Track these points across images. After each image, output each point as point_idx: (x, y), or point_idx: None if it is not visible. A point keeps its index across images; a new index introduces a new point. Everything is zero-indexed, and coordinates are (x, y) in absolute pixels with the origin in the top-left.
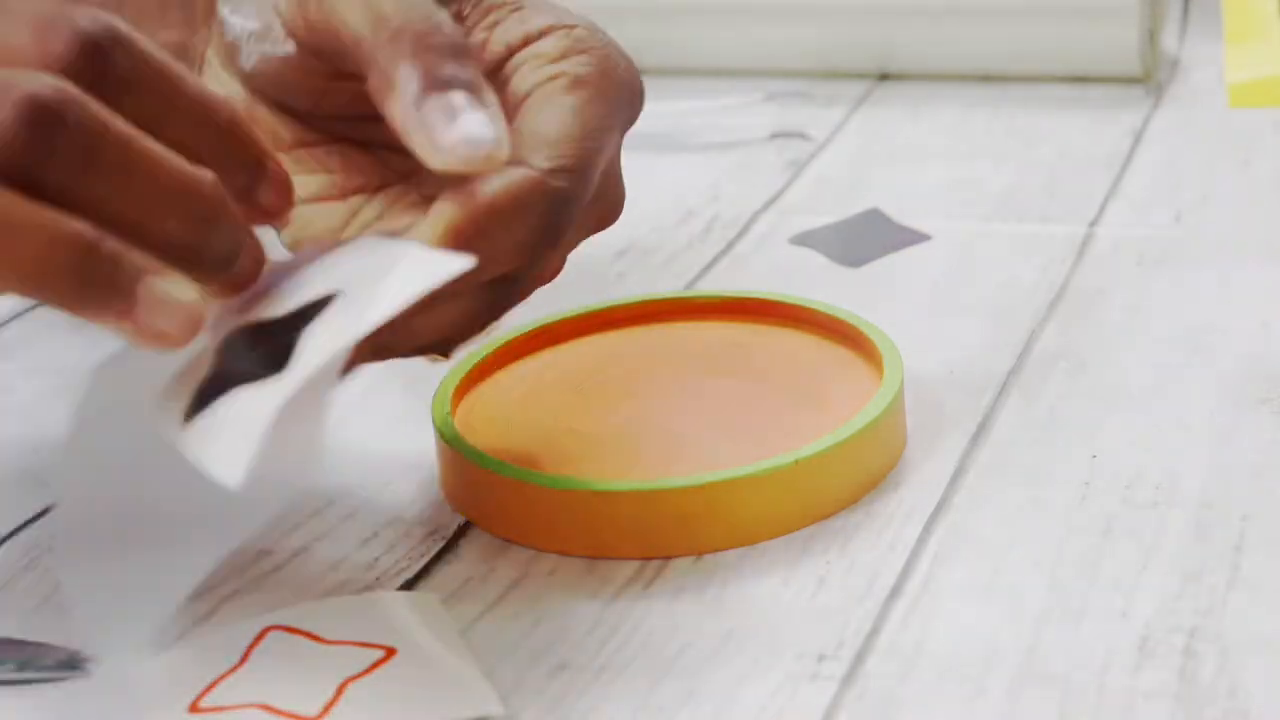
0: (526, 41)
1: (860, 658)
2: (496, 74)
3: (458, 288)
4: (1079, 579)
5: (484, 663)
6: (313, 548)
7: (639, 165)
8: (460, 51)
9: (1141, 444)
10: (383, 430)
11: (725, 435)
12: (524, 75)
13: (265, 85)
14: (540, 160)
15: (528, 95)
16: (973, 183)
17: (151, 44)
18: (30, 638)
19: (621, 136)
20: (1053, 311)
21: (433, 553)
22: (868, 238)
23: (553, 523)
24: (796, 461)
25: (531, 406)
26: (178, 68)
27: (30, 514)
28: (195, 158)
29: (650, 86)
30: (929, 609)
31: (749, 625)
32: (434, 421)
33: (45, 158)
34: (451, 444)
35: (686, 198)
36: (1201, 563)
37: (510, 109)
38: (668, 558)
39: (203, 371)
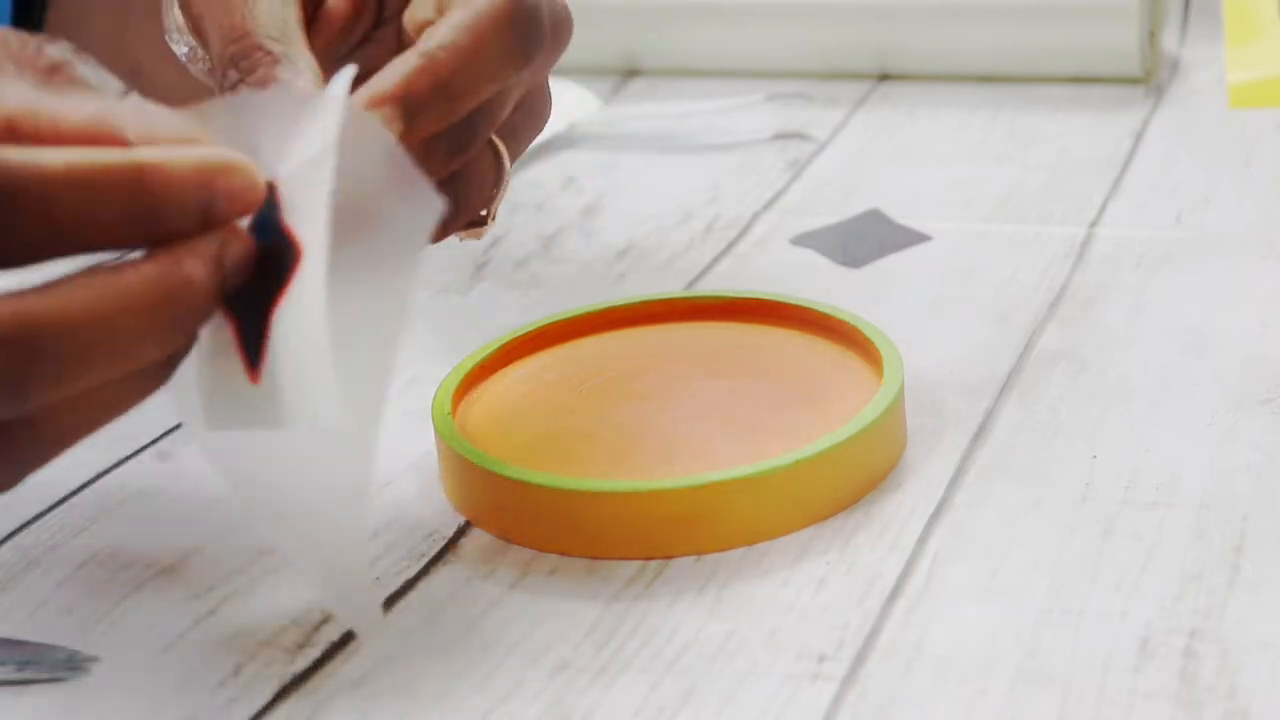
0: None
1: (860, 658)
2: None
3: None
4: (1079, 579)
5: (484, 663)
6: None
7: (640, 166)
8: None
9: (1141, 444)
10: (383, 430)
11: (725, 435)
12: None
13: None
14: None
15: None
16: (973, 183)
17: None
18: (30, 638)
19: None
20: (1053, 312)
21: (433, 553)
22: (868, 238)
23: (553, 523)
24: (796, 462)
25: (531, 406)
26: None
27: (31, 514)
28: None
29: (651, 88)
30: (929, 609)
31: (749, 625)
32: (434, 421)
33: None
34: (451, 444)
35: (687, 198)
36: (1201, 563)
37: None
38: (668, 558)
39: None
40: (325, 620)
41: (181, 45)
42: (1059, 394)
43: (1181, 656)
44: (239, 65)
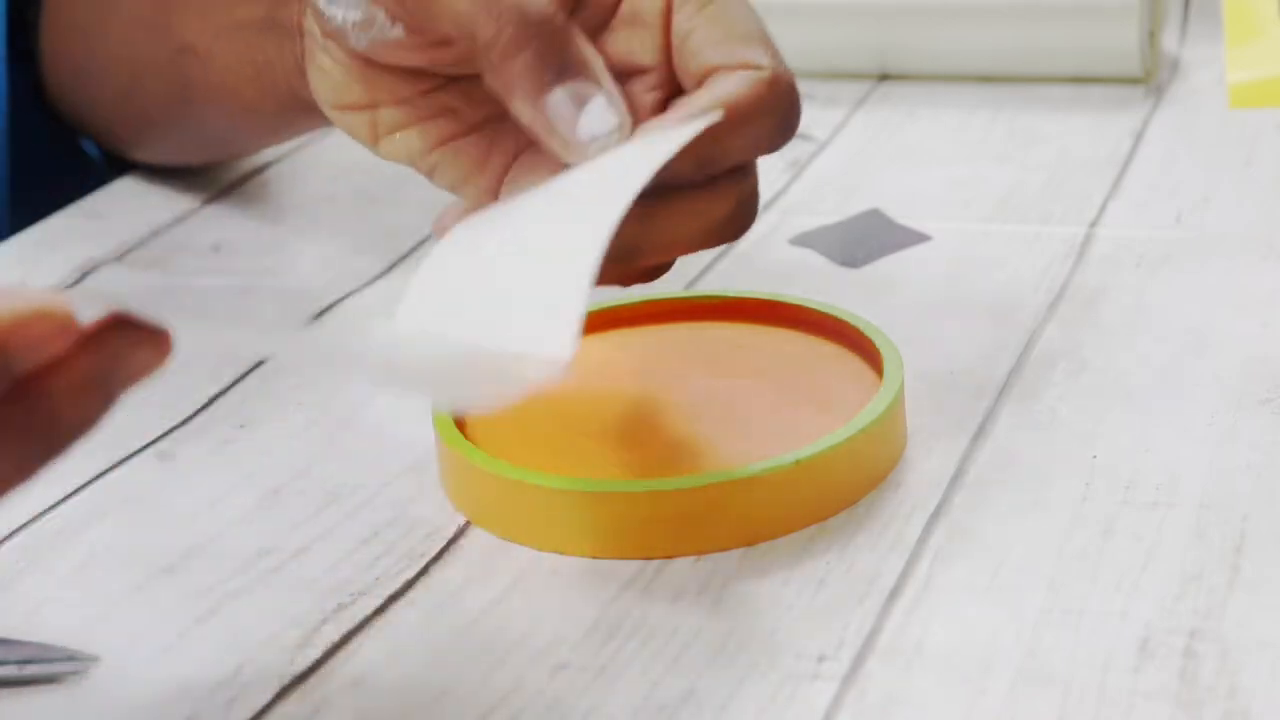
0: None
1: (860, 658)
2: None
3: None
4: (1079, 579)
5: (484, 663)
6: (313, 548)
7: None
8: (562, 32)
9: (1141, 444)
10: (383, 430)
11: (725, 435)
12: None
13: (382, 57)
14: (765, 58)
15: None
16: (973, 183)
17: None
18: (30, 638)
19: None
20: (1053, 311)
21: (433, 553)
22: (868, 238)
23: (553, 523)
24: (796, 461)
25: (531, 406)
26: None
27: (30, 514)
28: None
29: None
30: (929, 609)
31: (749, 625)
32: (434, 421)
33: None
34: (451, 444)
35: None
36: (1201, 563)
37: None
38: (668, 558)
39: None
40: (325, 620)
41: (346, 8)
42: (1059, 394)
43: (1181, 656)
44: (557, 66)
